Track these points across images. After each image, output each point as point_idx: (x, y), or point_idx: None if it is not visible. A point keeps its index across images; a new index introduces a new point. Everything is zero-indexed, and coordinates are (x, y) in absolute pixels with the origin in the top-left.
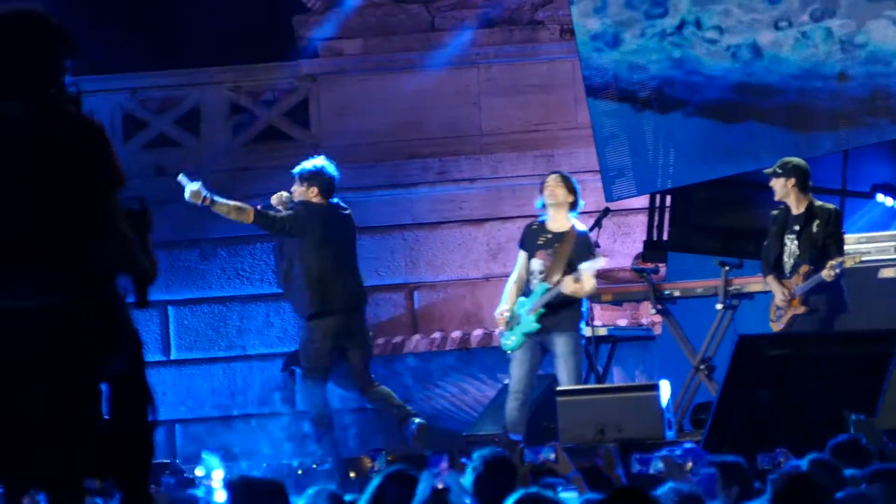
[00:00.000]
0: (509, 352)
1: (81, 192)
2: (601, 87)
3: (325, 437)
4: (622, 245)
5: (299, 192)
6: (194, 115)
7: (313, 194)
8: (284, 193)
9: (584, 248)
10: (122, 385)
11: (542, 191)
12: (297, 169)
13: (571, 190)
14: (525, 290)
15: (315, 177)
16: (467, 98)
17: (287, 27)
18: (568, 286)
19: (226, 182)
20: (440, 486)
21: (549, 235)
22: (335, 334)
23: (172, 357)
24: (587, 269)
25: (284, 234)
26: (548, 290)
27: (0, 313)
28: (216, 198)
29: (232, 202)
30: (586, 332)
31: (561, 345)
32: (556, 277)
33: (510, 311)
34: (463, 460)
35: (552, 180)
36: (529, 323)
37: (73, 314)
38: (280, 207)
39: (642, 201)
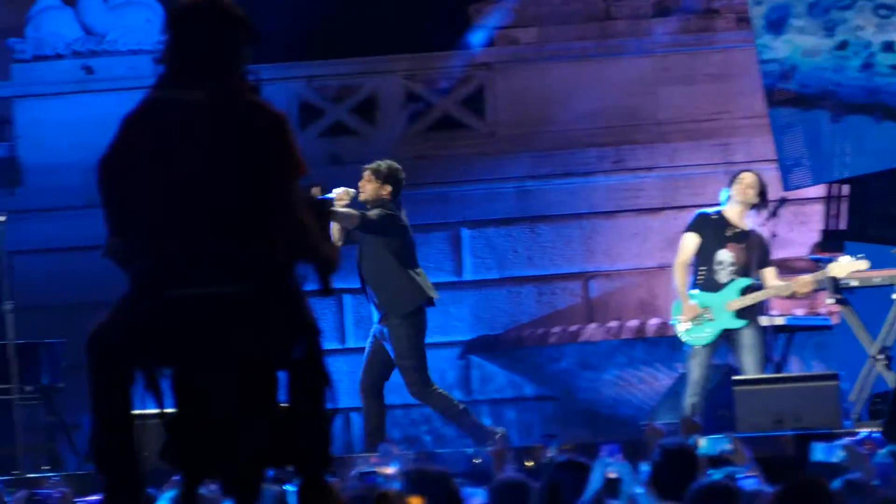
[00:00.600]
0: (695, 346)
1: (264, 180)
2: (777, 77)
3: (465, 424)
4: (799, 234)
5: (371, 188)
6: (370, 104)
7: (386, 192)
8: (350, 189)
9: (766, 253)
10: (300, 372)
11: (731, 184)
12: (373, 165)
13: (762, 193)
14: (706, 281)
15: (392, 175)
16: (643, 87)
17: (463, 15)
18: (782, 289)
19: (403, 171)
20: (612, 475)
21: (737, 230)
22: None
23: (348, 345)
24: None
25: (377, 232)
26: (748, 286)
27: (184, 301)
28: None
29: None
30: (763, 321)
31: (748, 336)
32: (752, 274)
33: (692, 303)
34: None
35: (749, 179)
36: (730, 319)
37: (257, 302)
38: (344, 201)
39: (819, 190)
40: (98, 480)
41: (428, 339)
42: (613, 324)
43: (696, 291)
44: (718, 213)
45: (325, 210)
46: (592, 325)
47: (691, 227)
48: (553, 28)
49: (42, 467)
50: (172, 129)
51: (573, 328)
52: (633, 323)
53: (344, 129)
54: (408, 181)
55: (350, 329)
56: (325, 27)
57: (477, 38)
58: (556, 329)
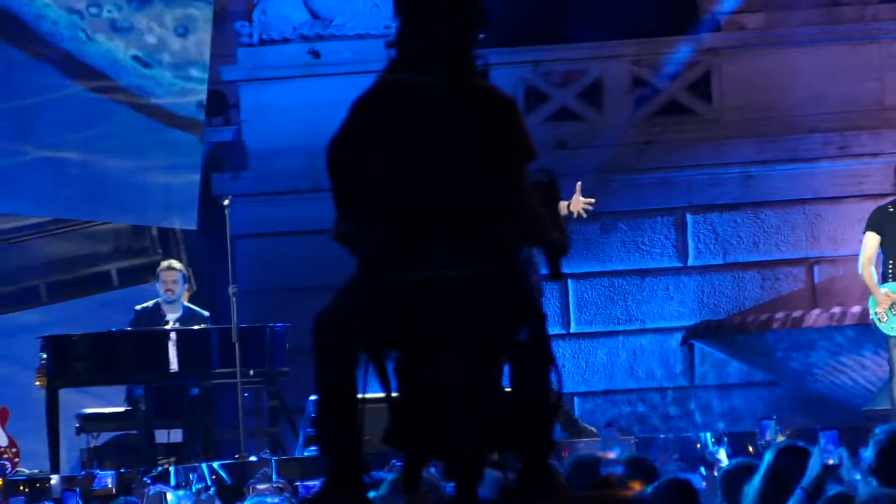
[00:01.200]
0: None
1: (494, 164)
2: None
3: None
4: None
5: None
6: (596, 89)
7: None
8: None
9: None
10: (525, 357)
11: None
12: None
13: None
14: None
15: None
16: (868, 73)
17: (690, 0)
18: None
19: (626, 156)
20: (831, 462)
21: None
22: None
23: (572, 330)
24: None
25: None
26: None
27: (413, 284)
28: None
29: None
30: None
31: None
32: None
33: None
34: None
35: None
36: None
37: (485, 285)
38: None
39: None
40: (321, 463)
41: (651, 325)
42: (836, 310)
43: (890, 282)
44: (894, 203)
45: (554, 195)
46: (816, 311)
47: (869, 226)
48: (779, 14)
49: (263, 451)
50: (404, 113)
51: (796, 314)
52: (857, 309)
53: (569, 115)
54: (633, 166)
55: (574, 314)
56: (552, 12)
57: (704, 24)
58: (780, 315)
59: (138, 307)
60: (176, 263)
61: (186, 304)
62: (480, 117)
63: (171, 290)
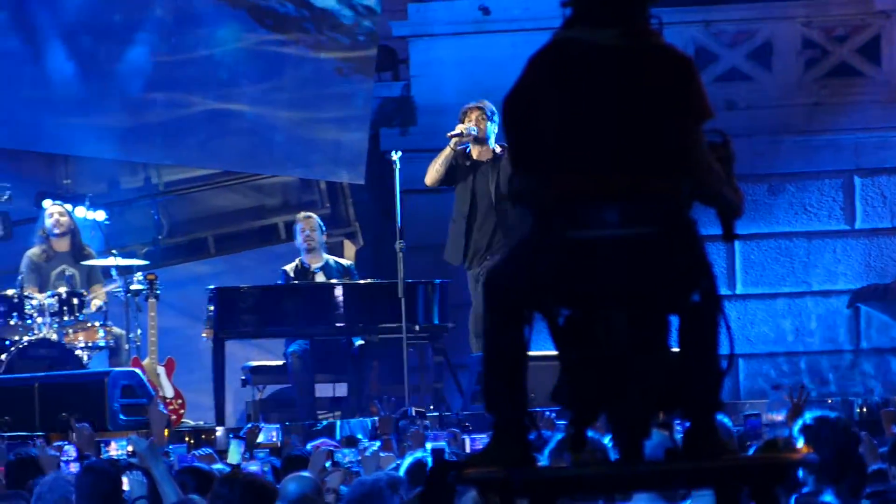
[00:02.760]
0: None
1: (671, 123)
2: None
3: None
4: None
5: (487, 126)
6: (765, 50)
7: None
8: (468, 126)
9: None
10: (695, 317)
11: None
12: (480, 105)
13: None
14: None
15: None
16: None
17: None
18: None
19: (795, 117)
20: None
21: None
22: None
23: (737, 291)
24: None
25: None
26: None
27: (587, 242)
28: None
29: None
30: None
31: None
32: None
33: None
34: None
35: None
36: None
37: (661, 245)
38: (463, 137)
39: None
40: (486, 420)
41: (817, 287)
42: None
43: None
44: None
45: (728, 155)
46: None
47: None
48: None
49: (429, 407)
50: (581, 70)
51: None
52: None
53: (738, 75)
54: (801, 128)
55: (740, 275)
56: None
57: None
58: None
59: (286, 267)
60: (312, 214)
61: (328, 256)
62: (657, 76)
63: (311, 239)
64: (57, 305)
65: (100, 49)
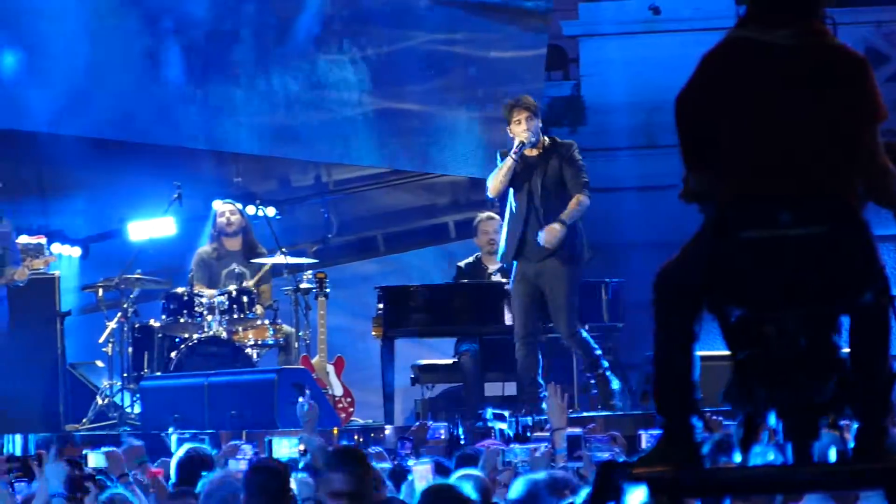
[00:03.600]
0: None
1: (845, 124)
2: None
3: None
4: None
5: (533, 125)
6: None
7: (540, 123)
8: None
9: None
10: (867, 318)
11: None
12: (522, 103)
13: None
14: None
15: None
16: None
17: None
18: None
19: None
20: None
21: None
22: None
23: None
24: None
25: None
26: None
27: (761, 242)
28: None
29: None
30: None
31: None
32: None
33: None
34: None
35: None
36: None
37: (834, 245)
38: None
39: None
40: (657, 419)
41: None
42: None
43: None
44: None
45: None
46: None
47: None
48: None
49: (597, 407)
50: (755, 69)
51: None
52: None
53: None
54: None
55: None
56: None
57: None
58: None
59: (461, 263)
60: (494, 214)
61: None
62: (832, 76)
63: (493, 241)
64: (227, 303)
65: (271, 49)
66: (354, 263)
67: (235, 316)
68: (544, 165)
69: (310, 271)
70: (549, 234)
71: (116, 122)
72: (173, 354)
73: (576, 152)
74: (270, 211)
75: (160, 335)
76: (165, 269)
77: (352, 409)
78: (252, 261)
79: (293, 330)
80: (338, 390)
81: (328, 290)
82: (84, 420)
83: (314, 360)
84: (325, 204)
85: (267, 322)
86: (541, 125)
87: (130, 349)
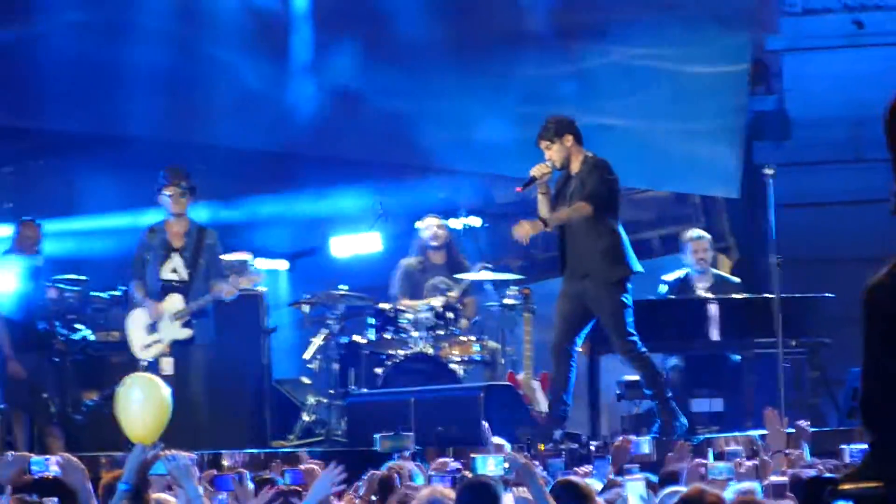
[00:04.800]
0: None
1: None
2: None
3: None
4: None
5: (556, 153)
6: None
7: (569, 143)
8: (544, 164)
9: None
10: None
11: None
12: (540, 133)
13: None
14: None
15: (560, 126)
16: None
17: None
18: None
19: None
20: None
21: None
22: None
23: None
24: None
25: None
26: None
27: None
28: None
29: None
30: None
31: None
32: None
33: None
34: None
35: None
36: None
37: None
38: (547, 176)
39: None
40: (865, 434)
41: None
42: None
43: None
44: None
45: None
46: None
47: None
48: None
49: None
50: None
51: None
52: None
53: None
54: None
55: None
56: None
57: None
58: None
59: (668, 277)
60: (704, 233)
61: (715, 271)
62: None
63: (704, 260)
64: (432, 319)
65: (478, 64)
66: (560, 279)
67: (441, 332)
68: (577, 182)
69: (515, 287)
70: (516, 230)
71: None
72: (379, 370)
73: (603, 171)
74: (476, 221)
75: (367, 352)
76: (369, 287)
77: None
78: (456, 275)
79: (498, 346)
80: (543, 406)
81: (534, 306)
82: (290, 436)
83: (520, 377)
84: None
85: (472, 338)
86: (569, 143)
87: (336, 365)
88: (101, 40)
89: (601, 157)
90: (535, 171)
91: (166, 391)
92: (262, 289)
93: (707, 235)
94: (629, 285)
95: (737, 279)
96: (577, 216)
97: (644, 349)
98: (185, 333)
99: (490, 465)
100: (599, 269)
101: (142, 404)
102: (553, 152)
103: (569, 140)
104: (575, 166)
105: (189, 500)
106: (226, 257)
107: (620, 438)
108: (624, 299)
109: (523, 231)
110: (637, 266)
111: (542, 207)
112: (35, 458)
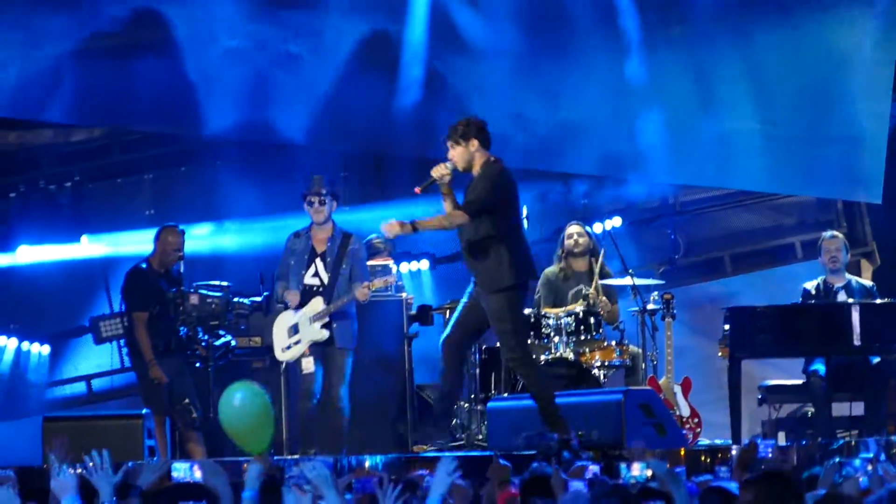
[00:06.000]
0: None
1: None
2: None
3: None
4: None
5: (459, 154)
6: None
7: (475, 147)
8: (446, 164)
9: None
10: None
11: None
12: (448, 133)
13: None
14: None
15: (469, 128)
16: None
17: None
18: None
19: None
20: None
21: None
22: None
23: None
24: None
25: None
26: None
27: None
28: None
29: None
30: None
31: None
32: None
33: None
34: None
35: None
36: None
37: None
38: (447, 177)
39: None
40: None
41: None
42: None
43: None
44: None
45: None
46: None
47: None
48: None
49: None
50: None
51: None
52: None
53: None
54: None
55: None
56: None
57: None
58: None
59: (807, 284)
60: (838, 233)
61: (849, 275)
62: None
63: (835, 259)
64: (573, 324)
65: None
66: (701, 284)
67: (582, 337)
68: (469, 188)
69: (656, 292)
70: (384, 226)
71: None
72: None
73: (494, 178)
74: (617, 221)
75: None
76: None
77: (699, 430)
78: (599, 282)
79: (640, 351)
80: (685, 411)
81: (675, 311)
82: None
83: (661, 381)
84: (671, 225)
85: (614, 343)
86: (474, 147)
87: (478, 370)
88: (247, 54)
89: (503, 163)
90: (435, 171)
91: (263, 398)
92: (404, 294)
93: (840, 235)
94: (519, 293)
95: (870, 283)
96: (448, 224)
97: (530, 358)
98: (324, 335)
99: (634, 470)
100: (483, 276)
101: (243, 411)
102: (456, 154)
103: (474, 144)
104: (476, 171)
105: None
106: (370, 262)
107: (748, 441)
108: (508, 308)
109: (391, 229)
110: (527, 276)
111: (446, 208)
112: (177, 463)
